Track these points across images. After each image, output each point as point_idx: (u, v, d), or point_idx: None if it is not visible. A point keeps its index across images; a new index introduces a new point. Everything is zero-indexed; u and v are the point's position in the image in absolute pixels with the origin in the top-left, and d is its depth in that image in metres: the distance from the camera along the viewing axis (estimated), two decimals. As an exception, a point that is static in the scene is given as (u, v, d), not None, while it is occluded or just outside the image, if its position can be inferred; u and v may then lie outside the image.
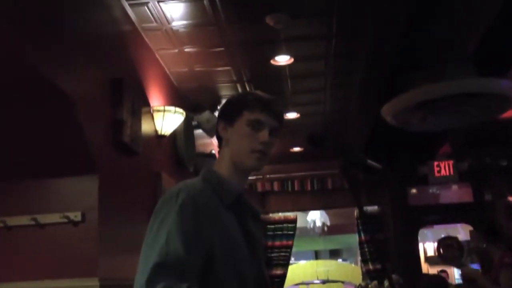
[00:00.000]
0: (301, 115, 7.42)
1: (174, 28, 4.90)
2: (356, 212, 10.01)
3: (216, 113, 6.80)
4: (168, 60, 5.54)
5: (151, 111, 5.02)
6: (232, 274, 1.71)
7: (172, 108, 5.15)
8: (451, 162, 9.20)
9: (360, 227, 9.86)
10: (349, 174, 1.94)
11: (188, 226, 1.65)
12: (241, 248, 1.78)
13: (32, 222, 3.58)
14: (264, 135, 1.86)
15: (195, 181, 1.84)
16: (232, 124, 1.88)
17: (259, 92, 1.94)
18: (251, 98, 1.90)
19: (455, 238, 9.93)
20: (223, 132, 1.91)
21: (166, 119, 5.10)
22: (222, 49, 5.39)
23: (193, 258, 1.62)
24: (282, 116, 1.96)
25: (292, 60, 5.70)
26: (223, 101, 6.64)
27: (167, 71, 5.76)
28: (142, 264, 1.62)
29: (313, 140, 1.93)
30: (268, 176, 9.63)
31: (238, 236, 1.79)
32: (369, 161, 1.90)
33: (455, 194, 9.91)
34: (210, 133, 6.79)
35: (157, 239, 1.63)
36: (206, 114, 6.61)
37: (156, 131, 5.11)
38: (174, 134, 5.57)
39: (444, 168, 9.22)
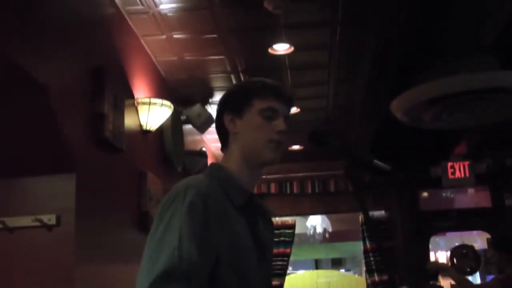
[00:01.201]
0: (301, 110, 7.41)
1: (162, 11, 4.88)
2: (360, 217, 10.01)
3: (208, 107, 6.87)
4: (155, 47, 5.51)
5: (136, 104, 5.01)
6: (238, 283, 1.72)
7: (159, 100, 5.13)
8: (467, 163, 9.20)
9: (365, 234, 9.87)
10: (354, 175, 1.95)
11: (199, 228, 1.65)
12: (251, 256, 1.79)
13: (0, 226, 3.54)
14: (280, 123, 1.89)
15: (202, 177, 1.83)
16: (241, 116, 1.89)
17: (264, 79, 1.96)
18: (260, 85, 1.92)
19: (471, 247, 9.96)
20: (231, 125, 1.91)
21: (152, 113, 5.08)
22: (215, 36, 5.37)
23: (205, 263, 1.64)
24: (293, 102, 2.00)
25: (292, 49, 5.69)
26: (220, 92, 6.68)
27: (154, 60, 5.74)
28: (146, 267, 1.62)
29: (315, 137, 1.94)
30: (264, 177, 9.62)
31: (248, 243, 1.79)
32: (376, 161, 1.90)
33: (471, 198, 9.91)
34: (201, 129, 6.78)
35: (167, 240, 1.62)
36: (196, 108, 6.61)
37: (140, 126, 5.10)
38: (160, 129, 5.57)
39: (459, 169, 9.22)
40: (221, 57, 5.82)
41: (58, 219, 3.55)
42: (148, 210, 4.90)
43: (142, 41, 5.35)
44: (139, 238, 4.69)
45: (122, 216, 4.46)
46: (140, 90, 5.15)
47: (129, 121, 4.69)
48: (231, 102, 1.93)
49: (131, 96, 4.93)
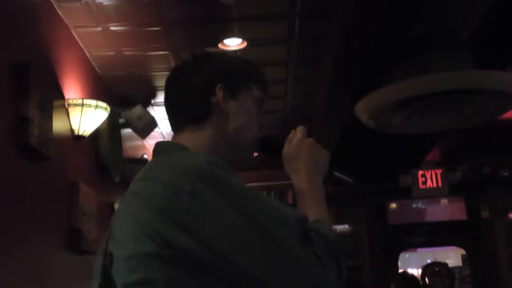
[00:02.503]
0: (256, 111, 7.39)
1: (97, 0, 4.81)
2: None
3: (150, 108, 6.81)
4: (89, 40, 5.44)
5: (66, 106, 4.93)
6: None
7: (93, 101, 5.06)
8: (439, 172, 9.34)
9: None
10: None
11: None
12: None
13: None
14: (260, 121, 1.84)
15: (189, 152, 1.64)
16: (236, 97, 1.78)
17: (256, 64, 1.89)
18: (258, 70, 1.86)
19: (444, 265, 10.08)
20: (222, 101, 1.75)
21: (86, 116, 5.01)
22: (158, 28, 5.33)
23: None
24: None
25: (245, 44, 5.67)
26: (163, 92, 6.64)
27: (88, 55, 5.67)
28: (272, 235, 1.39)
29: (265, 146, 1.89)
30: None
31: None
32: (336, 172, 1.88)
33: (444, 210, 10.06)
34: (142, 133, 6.72)
35: (263, 209, 1.42)
36: (137, 110, 6.55)
37: (72, 130, 5.02)
38: (95, 134, 5.49)
39: (431, 178, 9.35)
40: (165, 52, 5.78)
41: (-27, 239, 3.46)
42: (79, 226, 4.82)
43: (74, 33, 5.26)
44: (68, 259, 4.61)
45: (49, 233, 4.37)
46: (72, 89, 5.07)
47: (58, 125, 4.60)
48: (229, 75, 1.79)
49: (61, 97, 4.84)
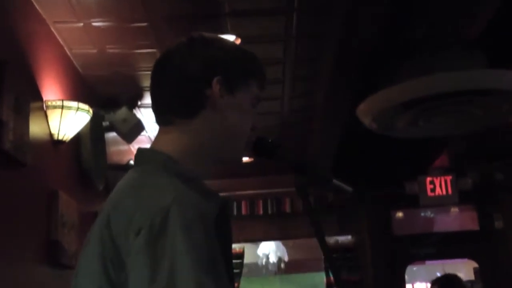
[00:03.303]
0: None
1: (78, -6, 4.83)
2: (323, 244, 10.03)
3: (136, 110, 6.80)
4: (70, 37, 5.44)
5: (44, 108, 4.93)
6: None
7: (74, 103, 5.07)
8: (449, 178, 9.30)
9: (329, 264, 9.89)
10: (306, 192, 1.93)
11: (214, 250, 1.49)
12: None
13: None
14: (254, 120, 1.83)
15: (176, 182, 1.58)
16: (233, 92, 1.75)
17: (256, 56, 1.86)
18: (260, 65, 1.84)
19: (455, 277, 10.05)
20: (218, 96, 1.73)
21: (66, 119, 5.02)
22: (145, 24, 5.34)
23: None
24: None
25: (239, 41, 5.66)
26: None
27: (68, 53, 5.67)
28: None
29: (258, 148, 1.88)
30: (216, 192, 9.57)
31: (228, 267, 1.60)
32: (335, 180, 1.89)
33: (454, 220, 10.02)
34: (128, 138, 6.72)
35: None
36: (122, 112, 6.55)
37: (51, 135, 5.02)
38: (77, 139, 5.49)
39: (440, 185, 9.31)
40: (152, 50, 5.77)
41: None
42: (59, 238, 4.82)
43: (53, 29, 5.26)
44: (46, 274, 4.61)
45: (25, 246, 4.36)
46: (51, 90, 5.07)
47: (35, 129, 4.61)
48: (229, 67, 1.76)
49: (39, 98, 4.85)
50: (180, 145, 1.71)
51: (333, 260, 2.35)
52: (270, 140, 1.89)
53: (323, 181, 1.89)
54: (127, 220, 1.50)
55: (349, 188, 1.90)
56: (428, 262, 12.39)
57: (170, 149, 1.70)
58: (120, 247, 1.50)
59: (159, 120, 1.78)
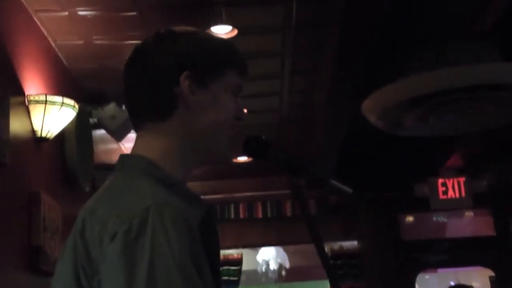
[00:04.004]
0: (248, 110, 7.39)
1: (62, -19, 4.84)
2: (326, 249, 10.03)
3: (125, 107, 6.80)
4: (54, 27, 5.44)
5: (26, 103, 4.92)
6: None
7: (59, 98, 5.06)
8: (462, 180, 9.32)
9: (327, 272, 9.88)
10: (301, 196, 1.94)
11: (198, 254, 1.48)
12: None
13: None
14: (241, 108, 1.82)
15: (154, 186, 1.58)
16: (206, 85, 1.73)
17: (231, 42, 1.85)
18: (234, 51, 1.81)
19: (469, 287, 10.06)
20: (189, 93, 1.70)
21: (50, 115, 5.01)
22: (134, 13, 5.34)
23: None
24: None
25: (235, 32, 5.68)
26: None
27: (52, 44, 5.67)
28: None
29: (250, 147, 1.89)
30: (202, 197, 9.57)
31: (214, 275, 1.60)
32: (333, 181, 1.88)
33: (468, 224, 10.05)
34: (117, 135, 6.71)
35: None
36: (110, 108, 6.54)
37: (33, 132, 5.01)
38: (61, 136, 5.49)
39: (452, 187, 9.33)
40: (142, 41, 5.76)
41: None
42: (41, 243, 4.81)
43: (35, 18, 5.25)
44: (27, 281, 4.60)
45: (4, 252, 4.35)
46: (33, 84, 5.06)
47: (16, 125, 4.60)
48: (198, 59, 1.73)
49: (20, 92, 4.84)
50: (157, 149, 1.70)
51: (332, 268, 2.36)
52: (263, 138, 1.88)
53: (319, 181, 1.89)
54: (101, 226, 1.51)
55: (348, 190, 1.90)
56: (440, 270, 12.38)
57: (149, 153, 1.69)
58: (93, 254, 1.51)
59: (133, 125, 1.78)
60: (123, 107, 6.73)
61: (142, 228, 1.44)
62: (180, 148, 1.71)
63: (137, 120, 1.76)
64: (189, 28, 1.80)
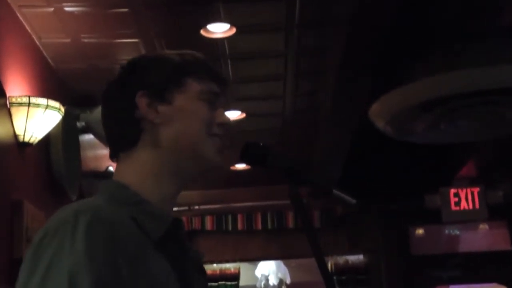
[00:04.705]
0: (248, 115, 7.41)
1: (47, -27, 4.83)
2: (330, 263, 10.04)
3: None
4: (39, 24, 5.44)
5: (8, 105, 4.92)
6: None
7: (43, 100, 5.05)
8: (476, 190, 9.32)
9: (337, 288, 9.90)
10: (302, 206, 1.92)
11: (103, 266, 1.53)
12: None
13: None
14: (222, 113, 1.87)
15: (97, 200, 1.72)
16: (169, 99, 1.80)
17: (192, 52, 1.90)
18: (192, 59, 1.87)
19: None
20: (151, 112, 1.79)
21: (34, 118, 5.00)
22: (126, 10, 5.33)
23: None
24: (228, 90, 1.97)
25: (233, 30, 5.68)
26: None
27: (37, 42, 5.67)
28: None
29: (247, 154, 1.90)
30: (197, 207, 9.58)
31: None
32: (335, 191, 1.88)
33: (483, 238, 10.05)
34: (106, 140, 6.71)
35: None
36: (100, 111, 6.51)
37: (15, 136, 5.01)
38: (46, 141, 5.49)
39: (466, 198, 9.34)
40: (134, 40, 5.79)
41: None
42: (24, 256, 4.79)
43: (18, 14, 5.25)
44: (9, 296, 4.58)
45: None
46: (15, 84, 5.07)
47: (-3, 129, 4.58)
48: (148, 79, 1.82)
49: (1, 94, 4.83)
50: (130, 173, 1.80)
51: (333, 285, 2.34)
52: (261, 144, 1.90)
53: (322, 191, 1.88)
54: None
55: (352, 200, 1.89)
56: (452, 287, 12.37)
57: (122, 177, 1.80)
58: None
59: (111, 156, 1.87)
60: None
61: (55, 232, 1.56)
62: (151, 167, 1.79)
63: (112, 152, 1.85)
64: (157, 53, 1.93)
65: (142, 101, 1.78)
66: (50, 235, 1.56)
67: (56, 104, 5.13)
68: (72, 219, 1.56)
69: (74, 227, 1.54)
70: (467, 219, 9.49)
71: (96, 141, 6.76)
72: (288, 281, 12.84)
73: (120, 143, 1.82)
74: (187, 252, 1.83)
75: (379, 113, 5.61)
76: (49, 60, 5.97)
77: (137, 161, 1.80)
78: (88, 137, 6.66)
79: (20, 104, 4.95)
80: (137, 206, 1.73)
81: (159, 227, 1.72)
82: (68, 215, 1.58)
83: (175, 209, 1.86)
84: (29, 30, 5.48)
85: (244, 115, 7.41)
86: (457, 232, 10.03)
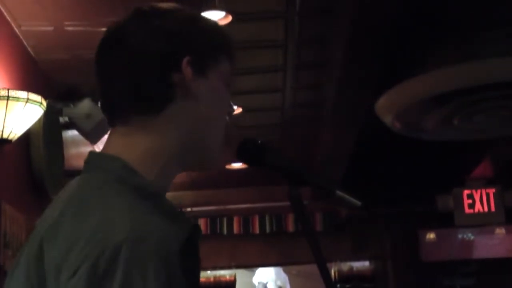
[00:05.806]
0: (244, 109, 7.40)
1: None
2: (334, 270, 10.04)
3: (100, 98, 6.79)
4: (19, 11, 5.44)
5: (-15, 99, 4.92)
6: None
7: (23, 93, 5.05)
8: (492, 191, 9.31)
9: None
10: (302, 208, 1.88)
11: None
12: None
13: None
14: (232, 104, 1.79)
15: (121, 200, 1.47)
16: (205, 73, 1.64)
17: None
18: (225, 34, 1.71)
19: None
20: (190, 80, 1.60)
21: (12, 113, 5.00)
22: (113, -5, 5.33)
23: None
24: None
25: (229, 18, 5.66)
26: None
27: (17, 30, 5.67)
28: None
29: (243, 152, 1.85)
30: (190, 209, 9.57)
31: None
32: (339, 192, 1.84)
33: (499, 243, 10.04)
34: (91, 137, 6.71)
35: None
36: (85, 105, 6.54)
37: (-7, 132, 5.01)
38: (26, 138, 5.50)
39: (480, 200, 9.33)
40: (122, 28, 5.77)
41: None
42: (2, 263, 4.80)
43: (-3, 1, 5.27)
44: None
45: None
46: (-6, 77, 5.07)
47: (-26, 125, 4.60)
48: (196, 44, 1.65)
49: (-21, 87, 4.84)
50: (141, 150, 1.60)
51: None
52: (259, 142, 1.83)
53: (324, 192, 1.88)
54: (62, 255, 1.41)
55: (357, 202, 1.88)
56: (466, 295, 12.40)
57: (128, 155, 1.58)
58: (48, 285, 1.42)
59: (111, 119, 1.66)
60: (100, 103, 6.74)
61: (111, 269, 1.35)
62: (169, 150, 1.61)
63: (117, 113, 1.64)
64: (173, 5, 1.73)
65: (188, 68, 1.59)
66: (105, 269, 1.35)
67: (37, 98, 5.12)
68: (131, 246, 1.36)
69: (136, 262, 1.36)
70: (482, 222, 9.50)
71: (80, 137, 6.74)
72: (287, 288, 12.88)
73: (138, 105, 1.61)
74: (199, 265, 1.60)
75: (387, 108, 5.62)
76: (30, 50, 5.97)
77: (153, 134, 1.60)
78: (72, 133, 6.65)
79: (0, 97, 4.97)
80: (156, 198, 1.55)
81: (181, 231, 1.50)
82: (120, 244, 1.36)
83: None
84: (8, 17, 5.48)
85: (240, 109, 7.41)
86: (472, 237, 10.02)
